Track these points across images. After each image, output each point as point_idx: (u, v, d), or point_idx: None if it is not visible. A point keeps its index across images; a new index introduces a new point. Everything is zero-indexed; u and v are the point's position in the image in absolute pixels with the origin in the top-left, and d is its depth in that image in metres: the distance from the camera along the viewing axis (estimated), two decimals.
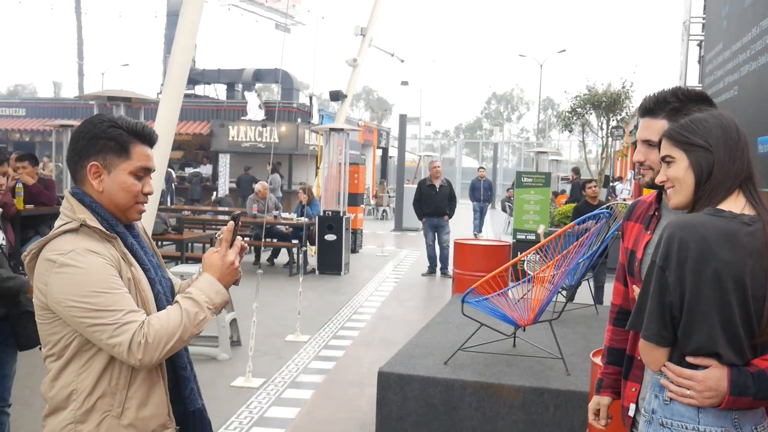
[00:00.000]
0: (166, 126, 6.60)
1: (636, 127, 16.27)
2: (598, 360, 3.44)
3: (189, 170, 22.51)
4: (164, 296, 2.06)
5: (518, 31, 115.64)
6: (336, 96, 14.26)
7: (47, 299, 1.90)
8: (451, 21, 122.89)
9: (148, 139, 2.06)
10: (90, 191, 2.01)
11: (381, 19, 14.81)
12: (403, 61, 15.81)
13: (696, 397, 1.78)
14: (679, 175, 1.90)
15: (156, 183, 6.67)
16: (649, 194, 2.29)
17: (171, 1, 24.56)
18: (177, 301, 1.95)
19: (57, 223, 1.97)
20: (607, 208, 6.06)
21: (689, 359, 1.80)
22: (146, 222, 6.53)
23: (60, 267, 1.86)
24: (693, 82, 7.54)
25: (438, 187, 11.75)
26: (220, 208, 16.43)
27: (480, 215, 18.10)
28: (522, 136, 74.93)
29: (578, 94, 13.19)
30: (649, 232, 2.16)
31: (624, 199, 18.55)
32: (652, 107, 2.18)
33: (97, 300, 1.84)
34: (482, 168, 18.24)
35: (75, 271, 1.86)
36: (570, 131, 14.03)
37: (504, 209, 22.77)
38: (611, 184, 20.02)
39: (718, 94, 5.87)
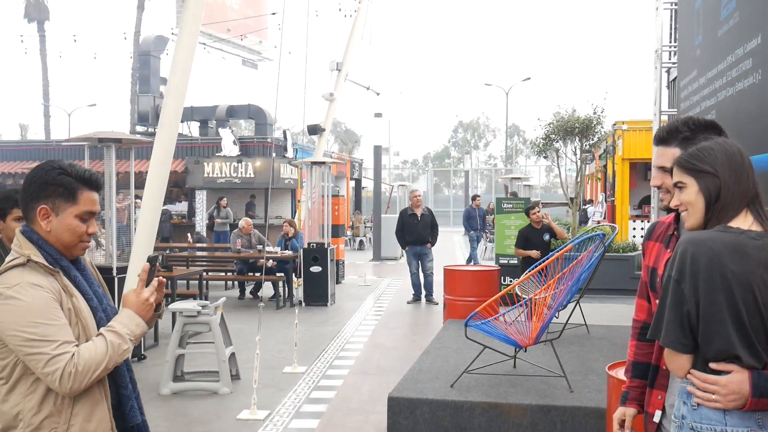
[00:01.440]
0: (160, 166, 6.72)
1: (605, 150, 16.70)
2: (613, 373, 3.60)
3: (166, 208, 22.45)
4: (106, 323, 2.26)
5: (484, 60, 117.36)
6: (314, 130, 14.43)
7: None
8: (416, 52, 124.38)
9: (95, 185, 2.30)
10: (38, 230, 2.23)
11: (353, 53, 15.07)
12: (379, 94, 16.09)
13: (721, 401, 1.94)
14: (691, 199, 2.09)
15: (151, 223, 6.77)
16: (667, 216, 2.48)
17: (142, 40, 24.65)
18: (101, 333, 2.16)
19: (7, 259, 2.20)
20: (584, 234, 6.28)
21: (712, 365, 1.97)
22: (143, 258, 6.60)
23: (5, 299, 2.08)
24: (665, 106, 7.85)
25: (420, 215, 11.94)
26: (199, 244, 16.43)
27: (477, 244, 17.84)
28: (490, 163, 75.76)
29: (551, 122, 13.51)
30: (669, 251, 2.33)
31: (598, 221, 18.95)
32: (665, 137, 2.39)
33: (35, 330, 2.05)
34: (478, 196, 18.29)
35: (18, 303, 2.07)
36: (545, 157, 14.34)
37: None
38: (583, 207, 20.40)
39: None
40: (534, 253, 8.74)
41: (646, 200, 18.09)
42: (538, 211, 9.06)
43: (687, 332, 1.97)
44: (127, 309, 2.24)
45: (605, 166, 20.58)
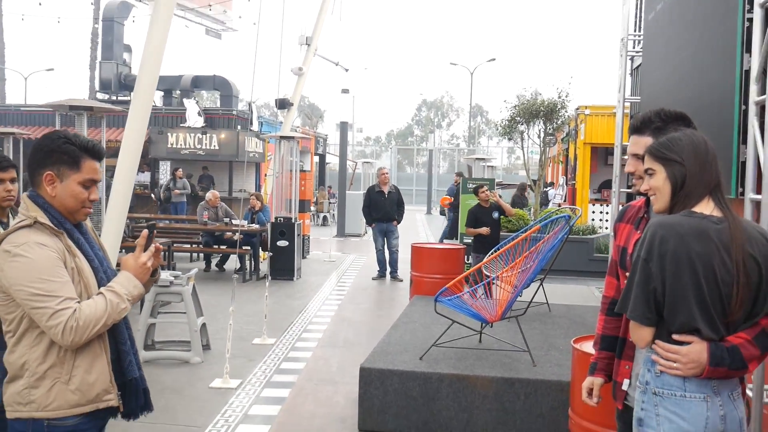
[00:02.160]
0: (134, 139, 6.73)
1: (567, 134, 17.01)
2: (578, 346, 3.82)
3: None
4: (107, 283, 2.43)
5: (449, 39, 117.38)
6: (282, 104, 14.44)
7: (1, 282, 2.27)
8: (382, 28, 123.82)
9: (97, 154, 2.46)
10: (44, 195, 2.38)
11: (323, 29, 15.06)
12: (347, 70, 16.13)
13: (681, 369, 2.15)
14: (659, 184, 2.29)
15: (124, 195, 6.80)
16: (638, 200, 2.70)
17: (106, 6, 24.15)
18: (101, 292, 2.33)
19: (15, 221, 2.38)
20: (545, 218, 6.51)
21: (675, 337, 2.18)
22: (117, 227, 6.65)
23: (13, 257, 2.24)
24: (629, 94, 8.09)
25: (387, 193, 12.11)
26: (163, 216, 16.36)
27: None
28: (452, 143, 76.17)
29: (517, 104, 13.74)
30: (639, 232, 2.54)
31: (558, 204, 19.33)
32: (639, 126, 2.59)
33: (41, 285, 2.22)
34: (460, 174, 18.36)
35: (25, 261, 2.24)
36: (509, 139, 14.59)
37: (443, 213, 23.30)
38: (544, 189, 20.80)
39: (659, 106, 6.41)
40: (484, 230, 8.91)
41: (606, 184, 18.50)
42: (486, 190, 9.30)
43: (652, 307, 2.16)
44: (126, 271, 2.40)
45: (567, 150, 20.96)
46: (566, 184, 21.16)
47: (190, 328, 6.63)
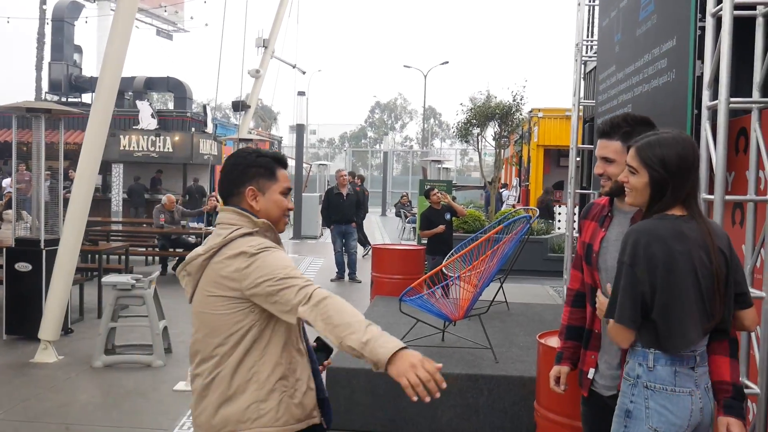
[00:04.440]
0: (96, 136, 6.70)
1: (521, 136, 17.26)
2: (544, 341, 3.95)
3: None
4: None
5: (402, 42, 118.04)
6: (238, 106, 14.41)
7: (241, 284, 2.23)
8: (335, 30, 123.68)
9: (285, 164, 2.50)
10: (248, 209, 2.39)
11: (281, 31, 15.06)
12: (304, 73, 16.15)
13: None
14: (639, 186, 2.34)
15: (84, 195, 6.75)
16: (602, 198, 2.82)
17: (56, 6, 23.68)
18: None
19: (221, 232, 2.34)
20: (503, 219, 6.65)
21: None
22: (77, 230, 6.58)
23: (252, 256, 2.23)
24: (583, 97, 8.34)
25: (345, 195, 12.16)
26: (117, 219, 16.14)
27: None
28: (406, 145, 76.53)
29: (472, 107, 13.95)
30: (603, 230, 2.67)
31: (513, 206, 19.64)
32: (608, 131, 2.68)
33: (286, 272, 2.20)
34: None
35: (266, 256, 2.24)
36: (466, 141, 14.79)
37: (398, 215, 23.45)
38: (499, 191, 21.10)
39: (614, 110, 6.62)
40: (439, 228, 9.03)
41: (559, 185, 18.87)
42: (437, 192, 9.46)
43: (638, 311, 2.24)
44: (403, 349, 2.06)
45: (520, 152, 21.30)
46: (519, 185, 21.50)
47: (152, 331, 6.59)
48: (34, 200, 7.47)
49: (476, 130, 14.33)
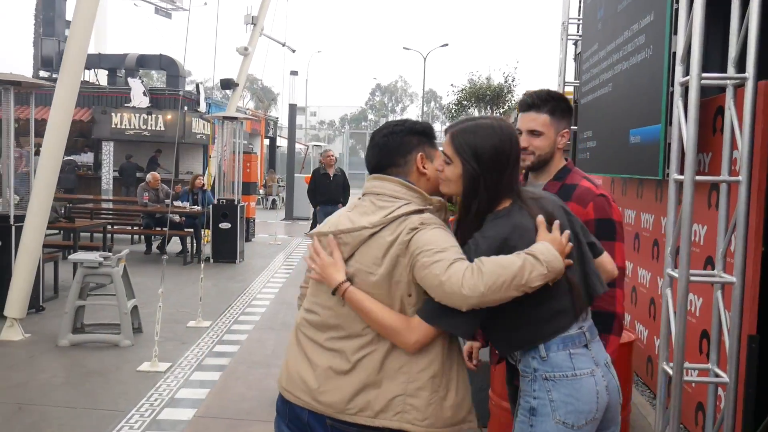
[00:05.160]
0: (62, 114, 6.53)
1: (515, 120, 17.06)
2: None
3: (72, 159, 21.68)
4: None
5: (402, 25, 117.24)
6: (227, 84, 14.19)
7: (403, 260, 2.03)
8: (336, 11, 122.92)
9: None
10: (414, 179, 2.19)
11: (270, 8, 14.80)
12: (294, 51, 15.91)
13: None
14: (452, 177, 2.13)
15: (51, 171, 6.59)
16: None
17: None
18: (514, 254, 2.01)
19: (383, 205, 2.11)
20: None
21: None
22: (44, 204, 6.43)
23: (429, 226, 2.04)
24: (570, 78, 8.13)
25: (332, 176, 11.99)
26: (105, 198, 15.99)
27: None
28: None
29: (464, 88, 13.75)
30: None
31: None
32: (537, 103, 2.66)
33: (445, 245, 1.98)
34: None
35: (439, 229, 2.05)
36: None
37: None
38: None
39: (595, 90, 6.44)
40: None
41: None
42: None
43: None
44: (545, 242, 2.02)
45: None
46: None
47: (120, 310, 6.45)
48: (4, 175, 7.31)
49: (470, 111, 14.15)
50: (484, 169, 2.06)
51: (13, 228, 7.06)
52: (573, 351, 2.08)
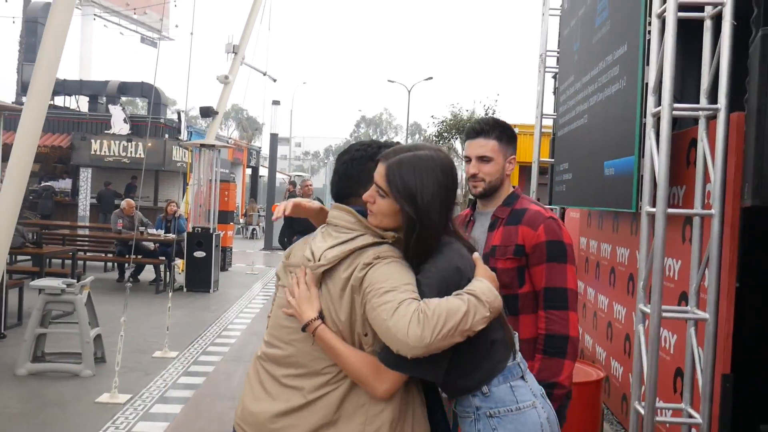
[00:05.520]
0: (28, 138, 6.36)
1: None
2: None
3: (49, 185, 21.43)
4: None
5: (387, 57, 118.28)
6: (206, 112, 14.05)
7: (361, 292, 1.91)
8: (322, 44, 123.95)
9: None
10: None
11: (252, 38, 14.78)
12: (275, 81, 15.84)
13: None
14: (387, 212, 1.93)
15: (14, 198, 6.40)
16: (464, 210, 2.80)
17: (29, 7, 23.31)
18: (456, 294, 1.88)
19: (338, 236, 1.96)
20: None
21: None
22: (6, 232, 6.25)
23: (384, 260, 1.89)
24: (548, 110, 8.08)
25: None
26: (80, 224, 15.74)
27: None
28: None
29: (444, 120, 13.75)
30: (468, 234, 2.57)
31: None
32: (486, 129, 2.61)
33: (395, 284, 1.84)
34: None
35: (393, 263, 1.91)
36: None
37: None
38: None
39: (571, 122, 6.39)
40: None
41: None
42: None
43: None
44: (483, 279, 1.93)
45: None
46: None
47: (81, 339, 6.25)
48: None
49: (451, 143, 14.12)
50: (423, 211, 1.89)
51: None
52: (513, 383, 1.95)
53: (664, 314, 3.64)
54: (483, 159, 2.59)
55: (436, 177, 1.91)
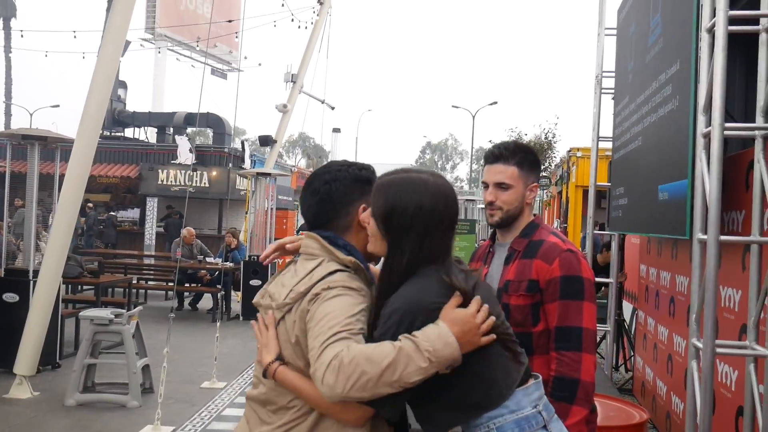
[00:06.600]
0: (80, 167, 6.49)
1: (561, 177, 16.76)
2: None
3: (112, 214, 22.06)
4: None
5: (451, 83, 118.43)
6: (266, 141, 14.25)
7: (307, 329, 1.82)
8: (386, 71, 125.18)
9: None
10: (347, 234, 1.93)
11: (313, 67, 14.93)
12: (333, 108, 15.95)
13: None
14: (375, 233, 1.83)
15: (65, 227, 6.52)
16: (486, 241, 2.64)
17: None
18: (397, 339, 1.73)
19: (306, 267, 1.86)
20: None
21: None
22: (56, 264, 6.34)
23: (333, 291, 1.78)
24: (607, 133, 7.78)
25: None
26: (140, 253, 16.07)
27: None
28: (456, 186, 76.20)
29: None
30: (486, 266, 2.47)
31: None
32: (505, 154, 2.43)
33: (334, 322, 1.71)
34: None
35: (343, 296, 1.78)
36: None
37: None
38: None
39: (626, 144, 6.11)
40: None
41: (601, 227, 18.13)
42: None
43: None
44: (441, 322, 1.70)
45: (561, 192, 20.69)
46: (560, 226, 20.83)
47: (128, 369, 6.25)
48: (25, 230, 7.29)
49: None
50: (395, 233, 1.76)
51: (32, 283, 6.98)
52: None
53: (719, 350, 3.36)
54: (501, 186, 2.43)
55: (420, 201, 1.76)
